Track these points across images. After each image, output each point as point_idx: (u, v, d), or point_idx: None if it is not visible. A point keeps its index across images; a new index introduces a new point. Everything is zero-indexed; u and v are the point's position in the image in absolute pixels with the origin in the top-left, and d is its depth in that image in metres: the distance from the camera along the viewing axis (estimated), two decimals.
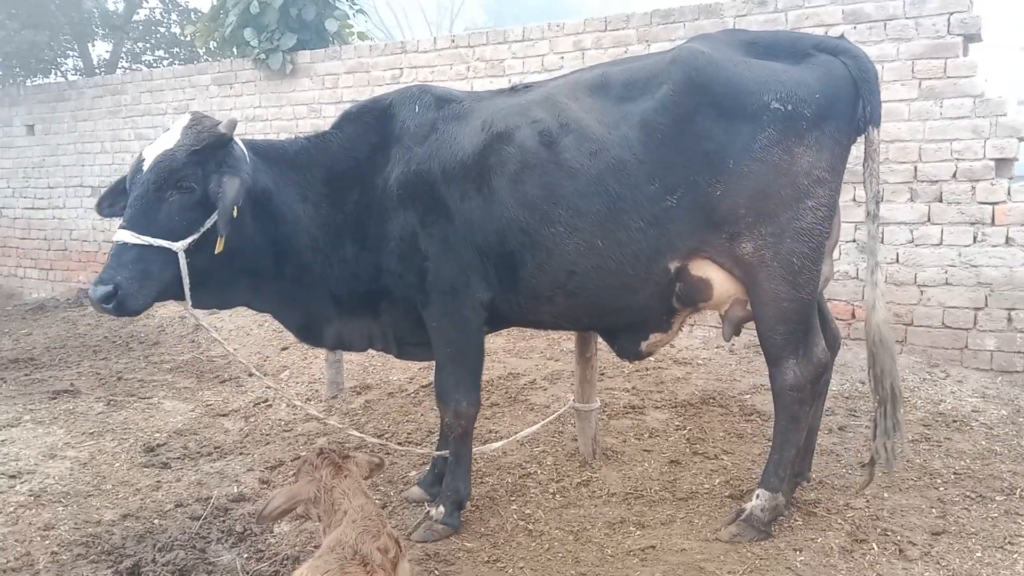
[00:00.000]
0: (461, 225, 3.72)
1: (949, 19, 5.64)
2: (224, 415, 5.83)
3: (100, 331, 8.70)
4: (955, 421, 5.05)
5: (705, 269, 3.64)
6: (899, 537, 3.69)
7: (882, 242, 5.91)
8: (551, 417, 4.75)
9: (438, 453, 4.26)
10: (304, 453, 3.21)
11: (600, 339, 4.63)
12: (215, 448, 5.20)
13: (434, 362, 4.03)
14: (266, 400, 6.10)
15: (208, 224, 3.48)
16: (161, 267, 3.42)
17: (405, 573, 3.05)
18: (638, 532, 3.89)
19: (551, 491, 4.35)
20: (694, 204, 3.51)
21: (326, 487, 3.09)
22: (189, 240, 3.44)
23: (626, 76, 3.67)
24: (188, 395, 6.30)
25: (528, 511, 4.15)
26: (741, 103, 3.45)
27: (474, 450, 4.25)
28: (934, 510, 3.95)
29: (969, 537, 3.69)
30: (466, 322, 3.81)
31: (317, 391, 6.14)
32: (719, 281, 3.65)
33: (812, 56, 3.58)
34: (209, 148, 3.51)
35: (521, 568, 3.62)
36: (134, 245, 3.38)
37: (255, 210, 3.66)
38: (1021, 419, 5.08)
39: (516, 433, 5.11)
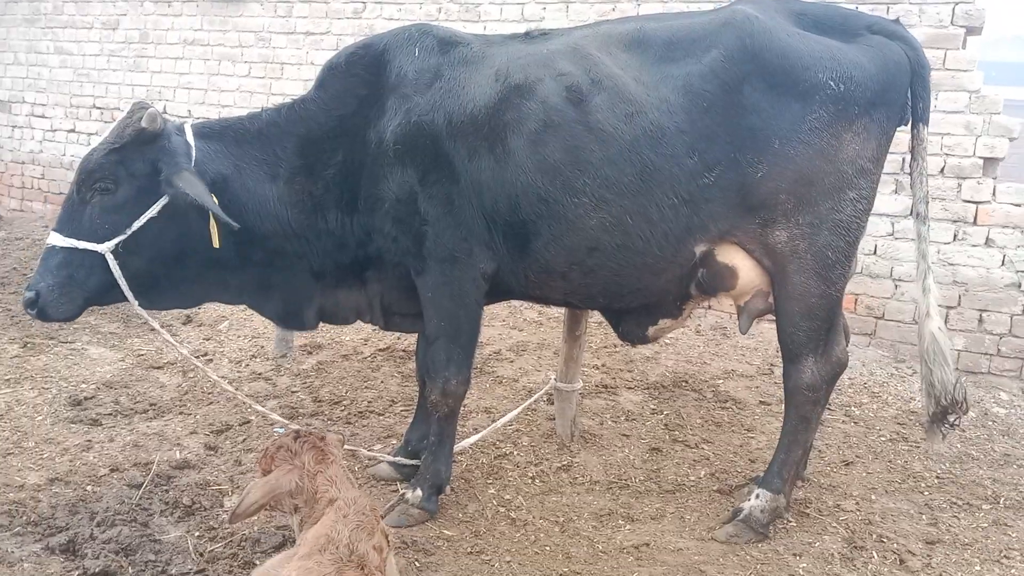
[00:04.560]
0: (467, 186, 3.33)
1: (954, 9, 5.49)
2: (159, 368, 5.32)
3: (8, 261, 7.88)
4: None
5: (732, 256, 3.38)
6: (896, 545, 3.56)
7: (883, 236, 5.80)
8: (534, 397, 4.45)
9: (405, 461, 3.94)
10: (276, 437, 2.83)
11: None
12: (151, 405, 4.72)
13: (419, 333, 3.68)
14: (205, 353, 5.61)
15: (138, 224, 3.24)
16: (88, 271, 3.24)
17: (392, 568, 2.74)
18: (628, 527, 3.66)
19: (530, 475, 4.08)
20: (732, 184, 3.23)
21: (311, 476, 2.73)
22: (116, 241, 3.24)
23: (668, 34, 3.32)
24: (115, 342, 5.72)
25: (508, 496, 3.87)
26: (794, 78, 3.16)
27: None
28: (924, 517, 3.86)
29: (964, 548, 3.60)
30: (465, 294, 3.45)
31: (263, 347, 5.67)
32: (745, 270, 3.39)
33: (864, 36, 3.31)
34: (131, 145, 3.23)
35: (508, 563, 3.34)
36: (60, 248, 3.25)
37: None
38: (990, 422, 5.08)
39: (485, 408, 4.83)
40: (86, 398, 4.73)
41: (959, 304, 5.67)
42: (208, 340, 5.89)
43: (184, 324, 6.20)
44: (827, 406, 5.12)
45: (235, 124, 3.54)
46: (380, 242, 3.48)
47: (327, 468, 2.75)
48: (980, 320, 5.64)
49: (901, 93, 3.30)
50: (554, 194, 3.27)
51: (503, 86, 3.34)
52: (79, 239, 3.24)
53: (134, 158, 3.23)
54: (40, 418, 4.45)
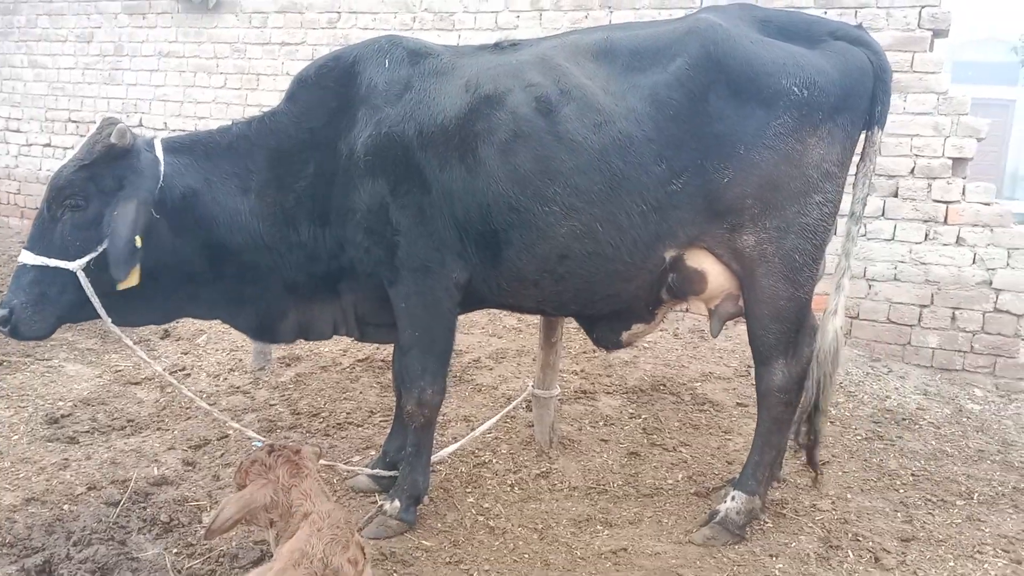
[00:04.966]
0: (439, 196, 3.35)
1: (920, 12, 5.57)
2: (136, 383, 5.29)
3: None
4: (904, 419, 5.06)
5: (701, 260, 3.41)
6: (872, 543, 3.61)
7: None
8: (512, 405, 4.47)
9: (384, 473, 3.92)
10: (252, 451, 2.84)
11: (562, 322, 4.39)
12: (128, 421, 4.70)
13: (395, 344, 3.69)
14: (183, 368, 5.59)
15: (108, 242, 3.19)
16: (60, 289, 3.23)
17: None
18: (606, 532, 3.68)
19: (509, 483, 4.09)
20: (699, 190, 3.26)
21: (284, 490, 2.74)
22: (87, 259, 3.22)
23: (634, 43, 3.35)
24: (93, 358, 5.70)
25: (487, 505, 3.88)
26: (758, 85, 3.20)
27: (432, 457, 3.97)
28: (899, 514, 3.91)
29: (939, 545, 3.65)
30: (438, 303, 3.46)
31: (241, 360, 5.65)
32: (715, 274, 3.43)
33: (828, 42, 3.36)
34: (100, 162, 3.22)
35: (487, 571, 3.36)
36: (32, 266, 3.23)
37: (174, 219, 3.32)
38: (964, 419, 5.14)
39: (464, 416, 4.84)
40: (63, 416, 4.71)
41: (932, 303, 5.75)
42: (186, 354, 5.87)
43: (162, 339, 6.18)
44: None
45: (205, 138, 3.55)
46: (353, 253, 3.50)
47: (301, 482, 2.76)
48: (953, 318, 5.71)
49: (864, 98, 3.34)
50: (525, 203, 3.29)
51: (473, 97, 3.36)
52: (50, 257, 3.22)
53: (104, 174, 3.23)
54: (16, 437, 4.42)
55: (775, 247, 3.30)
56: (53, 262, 3.21)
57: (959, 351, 5.70)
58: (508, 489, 4.04)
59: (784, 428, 3.58)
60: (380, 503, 3.71)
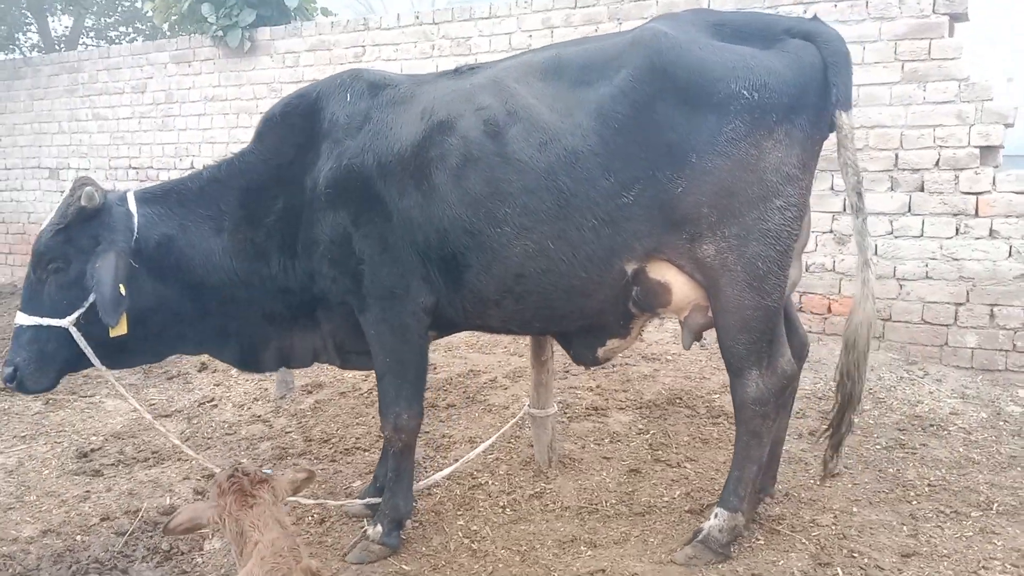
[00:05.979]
0: (399, 224, 3.40)
1: None
2: (167, 416, 5.52)
3: None
4: (932, 425, 4.80)
5: (664, 272, 3.34)
6: (866, 560, 3.43)
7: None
8: (505, 428, 4.45)
9: (369, 501, 3.94)
10: (219, 471, 2.93)
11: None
12: (152, 453, 4.90)
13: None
14: (212, 400, 5.80)
15: (94, 296, 3.34)
16: (57, 345, 3.42)
17: None
18: (589, 552, 3.62)
19: (501, 504, 4.07)
20: (653, 201, 3.20)
21: (230, 515, 2.82)
22: (76, 315, 3.39)
23: (583, 59, 3.33)
24: (132, 393, 5.97)
25: (475, 527, 3.87)
26: (706, 91, 3.12)
27: (419, 484, 3.98)
28: (905, 528, 3.70)
29: (941, 560, 3.43)
30: (406, 329, 3.50)
31: (266, 390, 5.83)
32: (678, 285, 3.35)
33: (783, 41, 3.25)
34: (74, 224, 3.40)
35: None
36: (27, 326, 3.42)
37: (152, 266, 3.48)
38: (1001, 422, 4.84)
39: (469, 438, 4.85)
40: (93, 450, 4.95)
41: (967, 300, 5.45)
42: (218, 385, 6.09)
43: (199, 371, 6.43)
44: (825, 415, 4.98)
45: (177, 186, 3.70)
46: (322, 283, 3.58)
47: (249, 512, 2.82)
48: (991, 315, 5.39)
49: (822, 95, 3.20)
50: (478, 225, 3.30)
51: (427, 124, 3.40)
52: (42, 316, 3.42)
53: (79, 235, 3.40)
54: (47, 472, 4.67)
55: (736, 255, 3.20)
56: (46, 321, 3.42)
57: (1000, 350, 5.38)
58: (500, 511, 4.01)
59: (763, 441, 3.44)
60: (364, 528, 3.75)
